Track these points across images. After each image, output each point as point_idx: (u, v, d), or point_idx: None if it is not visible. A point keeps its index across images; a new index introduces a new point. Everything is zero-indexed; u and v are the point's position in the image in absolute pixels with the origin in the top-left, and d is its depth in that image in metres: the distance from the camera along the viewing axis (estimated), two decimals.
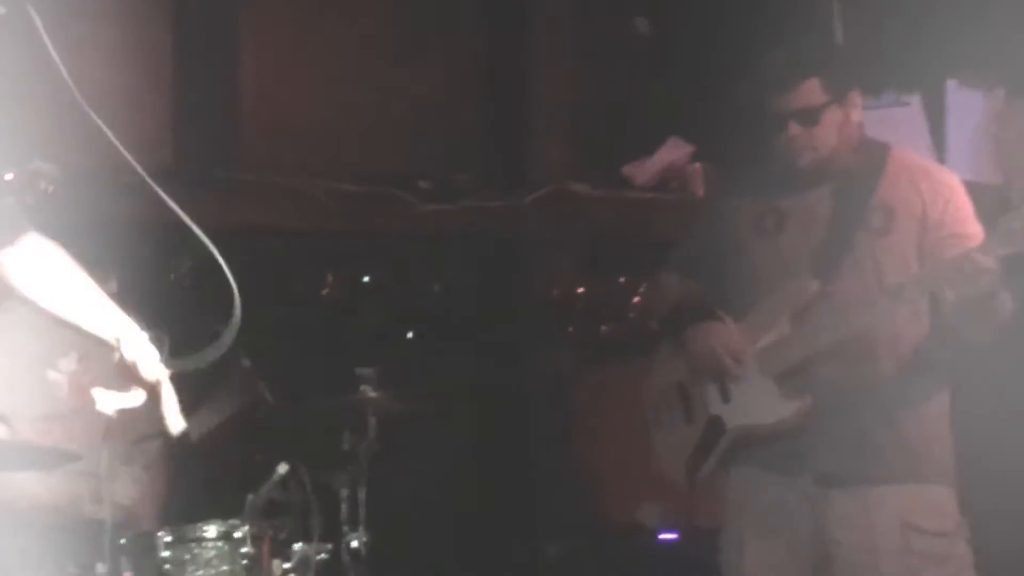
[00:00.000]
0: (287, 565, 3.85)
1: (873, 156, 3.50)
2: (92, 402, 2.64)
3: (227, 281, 2.42)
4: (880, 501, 3.39)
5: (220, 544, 3.77)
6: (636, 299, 5.18)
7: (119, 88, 4.79)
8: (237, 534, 3.78)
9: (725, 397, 3.55)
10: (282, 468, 3.94)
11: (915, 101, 5.05)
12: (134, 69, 4.98)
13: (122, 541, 3.76)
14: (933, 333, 3.43)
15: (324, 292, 4.92)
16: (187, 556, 3.77)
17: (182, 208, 4.17)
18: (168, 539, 3.76)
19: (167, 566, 3.74)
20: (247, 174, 5.01)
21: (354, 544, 4.00)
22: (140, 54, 5.03)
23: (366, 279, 4.92)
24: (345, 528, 3.99)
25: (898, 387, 3.42)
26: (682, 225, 4.23)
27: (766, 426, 3.47)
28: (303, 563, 3.87)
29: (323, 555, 3.92)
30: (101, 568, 3.73)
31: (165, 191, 3.85)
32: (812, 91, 3.41)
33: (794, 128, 3.41)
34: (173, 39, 5.13)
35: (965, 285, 3.20)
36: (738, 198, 3.63)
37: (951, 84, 4.98)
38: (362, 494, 3.99)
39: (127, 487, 4.15)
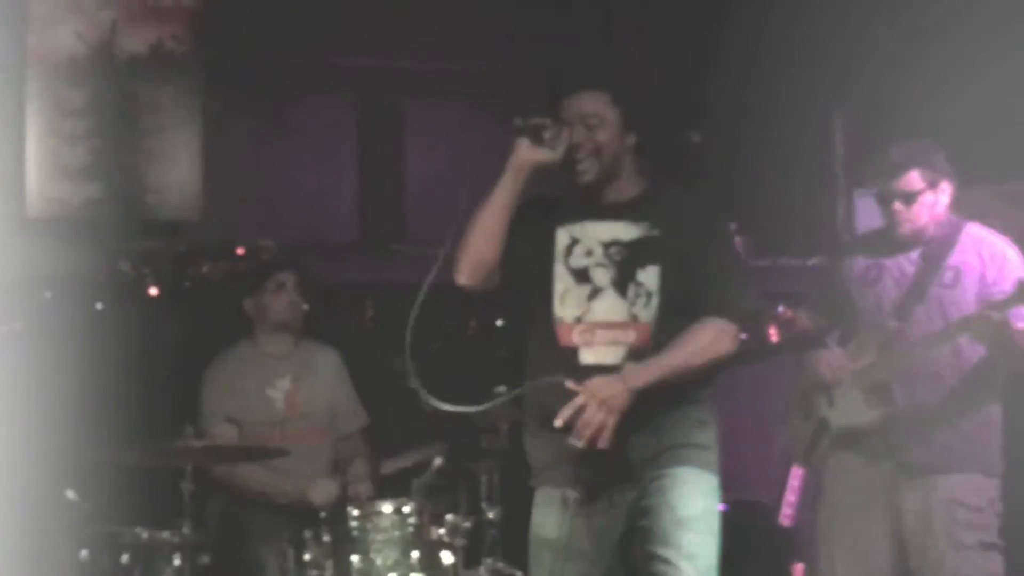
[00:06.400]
0: (442, 531, 6.06)
1: (952, 229, 5.45)
2: (301, 412, 5.17)
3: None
4: (937, 485, 5.36)
5: (393, 516, 6.00)
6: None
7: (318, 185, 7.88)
8: (405, 509, 6.03)
9: (830, 403, 5.55)
10: (438, 460, 6.26)
11: None
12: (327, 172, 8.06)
13: (322, 515, 6.02)
14: (987, 361, 5.35)
15: (469, 333, 7.22)
16: (369, 525, 5.99)
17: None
18: (355, 513, 6.02)
19: (355, 532, 5.98)
20: (411, 247, 8.03)
21: (490, 515, 6.22)
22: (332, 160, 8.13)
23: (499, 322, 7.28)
24: (483, 504, 6.22)
25: (960, 398, 5.36)
26: None
27: (857, 426, 5.47)
28: (453, 530, 6.07)
29: (468, 524, 6.08)
30: (307, 534, 5.98)
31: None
32: (914, 179, 5.37)
33: (898, 205, 5.37)
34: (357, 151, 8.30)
35: (982, 334, 5.20)
36: (850, 257, 5.65)
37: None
38: (496, 479, 6.16)
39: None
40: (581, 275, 4.53)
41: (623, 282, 4.51)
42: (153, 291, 7.30)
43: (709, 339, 4.48)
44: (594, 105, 4.49)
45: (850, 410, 5.47)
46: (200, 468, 5.88)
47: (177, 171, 7.99)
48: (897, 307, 5.43)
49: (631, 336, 4.48)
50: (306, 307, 6.66)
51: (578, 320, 4.50)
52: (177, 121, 8.01)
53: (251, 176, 8.38)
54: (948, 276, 5.39)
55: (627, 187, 4.58)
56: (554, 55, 8.09)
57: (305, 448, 6.47)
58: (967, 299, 5.35)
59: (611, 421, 4.35)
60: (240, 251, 7.33)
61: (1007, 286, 5.26)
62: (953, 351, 5.36)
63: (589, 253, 4.53)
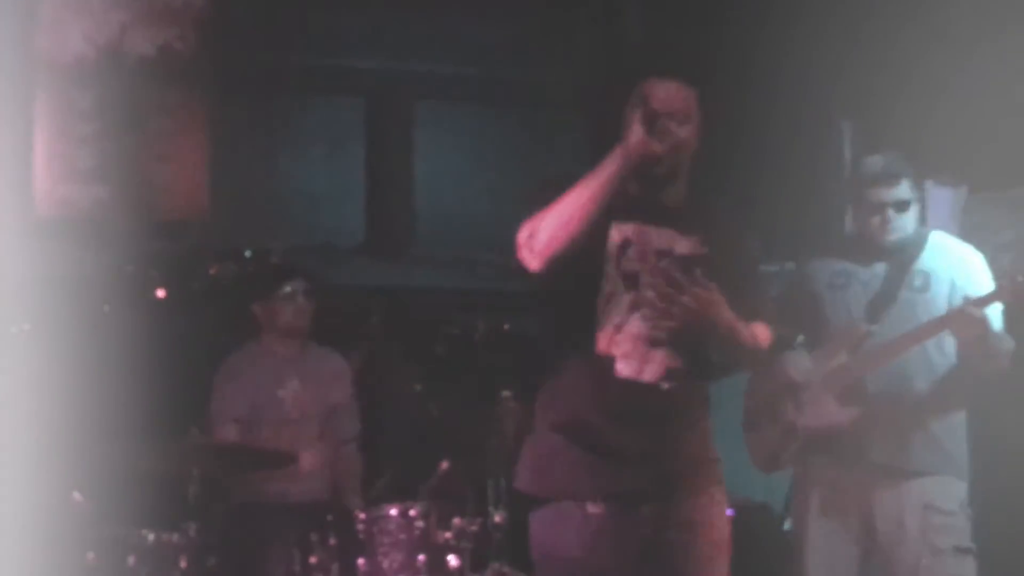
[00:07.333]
0: (448, 534, 6.11)
1: (919, 235, 5.57)
2: (308, 413, 5.35)
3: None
4: (910, 489, 5.42)
5: (399, 519, 6.04)
6: None
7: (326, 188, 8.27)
8: (412, 512, 6.07)
9: (798, 407, 5.53)
10: (444, 464, 6.30)
11: None
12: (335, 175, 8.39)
13: (329, 517, 6.10)
14: (955, 365, 5.44)
15: (476, 336, 7.25)
16: (375, 528, 6.03)
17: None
18: (362, 516, 6.10)
19: (361, 535, 6.05)
20: (420, 249, 8.24)
21: (496, 519, 6.18)
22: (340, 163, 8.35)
23: (507, 326, 7.31)
24: (490, 507, 6.21)
25: (930, 403, 5.44)
26: None
27: (828, 428, 5.48)
28: (460, 533, 6.12)
29: (474, 527, 6.12)
30: (313, 536, 6.04)
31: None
32: (906, 188, 5.49)
33: (891, 214, 5.47)
34: (365, 153, 8.49)
35: (962, 329, 5.31)
36: (819, 264, 5.69)
37: (928, 183, 7.00)
38: (502, 482, 6.12)
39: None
40: (630, 280, 4.32)
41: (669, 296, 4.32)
42: (160, 293, 7.32)
43: (763, 335, 4.40)
44: (686, 100, 4.29)
45: (820, 413, 5.48)
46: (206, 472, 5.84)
47: (185, 173, 8.01)
48: (868, 311, 5.50)
49: (673, 356, 4.35)
50: (314, 308, 6.77)
51: (618, 328, 4.31)
52: (185, 123, 8.02)
53: (259, 178, 8.44)
54: (918, 280, 5.48)
55: (678, 193, 4.40)
56: (559, 61, 8.17)
57: (309, 450, 6.55)
58: (938, 303, 5.43)
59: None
60: (248, 253, 7.38)
61: (975, 290, 5.36)
62: (923, 358, 5.43)
63: (642, 258, 4.33)
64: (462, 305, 7.77)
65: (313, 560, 5.99)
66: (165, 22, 7.98)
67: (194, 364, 6.88)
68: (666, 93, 4.24)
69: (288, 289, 6.71)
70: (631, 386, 4.26)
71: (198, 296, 7.51)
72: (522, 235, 4.15)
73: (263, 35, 8.18)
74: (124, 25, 7.88)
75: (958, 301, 5.35)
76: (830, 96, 8.04)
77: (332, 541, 6.01)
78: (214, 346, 6.86)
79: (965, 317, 5.25)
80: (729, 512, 4.51)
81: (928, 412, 5.43)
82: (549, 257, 4.10)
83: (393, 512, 6.05)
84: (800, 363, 5.52)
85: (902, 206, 5.45)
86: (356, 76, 8.68)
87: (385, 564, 5.98)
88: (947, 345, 5.42)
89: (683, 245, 4.33)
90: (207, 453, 5.96)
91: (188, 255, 7.65)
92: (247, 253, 7.41)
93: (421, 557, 6.02)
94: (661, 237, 4.32)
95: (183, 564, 5.72)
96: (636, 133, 4.12)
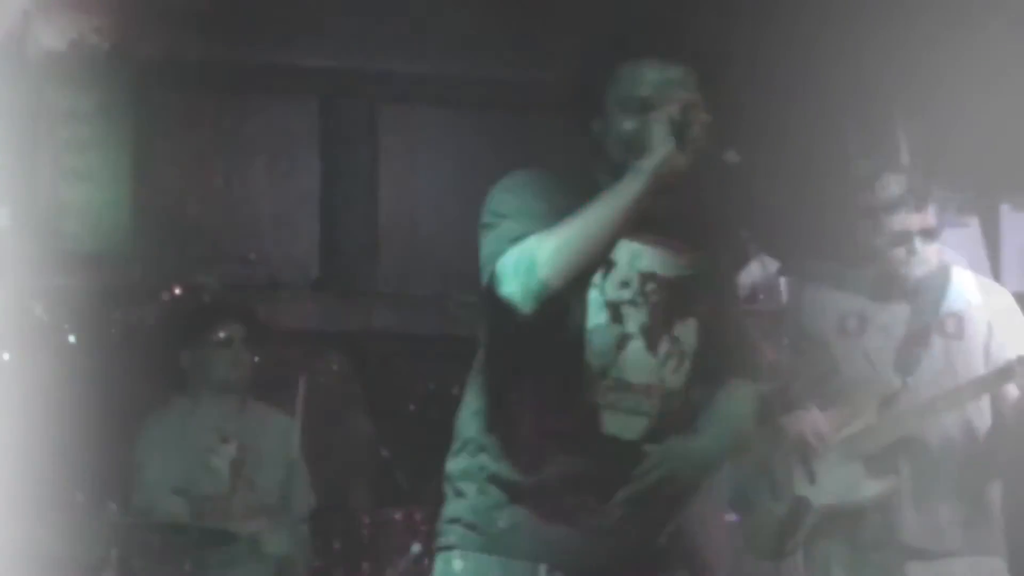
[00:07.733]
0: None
1: (943, 270, 5.05)
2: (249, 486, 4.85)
3: None
4: (944, 573, 4.83)
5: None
6: None
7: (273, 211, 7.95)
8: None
9: (811, 479, 4.95)
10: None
11: (973, 223, 7.06)
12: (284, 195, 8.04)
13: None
14: (995, 428, 4.94)
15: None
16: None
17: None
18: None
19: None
20: (385, 287, 7.84)
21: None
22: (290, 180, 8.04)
23: None
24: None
25: (970, 471, 4.89)
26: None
27: (855, 504, 4.90)
28: None
29: None
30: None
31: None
32: (931, 215, 4.96)
33: (917, 244, 4.92)
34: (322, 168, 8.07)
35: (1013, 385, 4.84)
36: (822, 302, 5.14)
37: (1005, 207, 7.11)
38: None
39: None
40: (625, 290, 3.89)
41: (656, 332, 3.89)
42: (71, 339, 6.76)
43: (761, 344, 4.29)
44: (691, 85, 3.80)
45: (844, 485, 4.95)
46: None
47: (102, 192, 7.48)
48: (896, 362, 4.97)
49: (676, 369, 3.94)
50: (256, 359, 6.34)
51: (622, 341, 3.86)
52: (103, 132, 7.50)
53: (190, 199, 7.90)
54: (950, 325, 4.98)
55: (671, 200, 3.90)
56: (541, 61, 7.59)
57: (254, 529, 6.12)
58: (974, 351, 4.95)
59: None
60: (176, 290, 6.81)
61: (1018, 334, 4.93)
62: (962, 419, 4.93)
63: (625, 284, 3.88)
64: (436, 353, 7.26)
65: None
66: (78, 10, 7.42)
67: (111, 423, 6.34)
68: (687, 98, 3.74)
69: (223, 335, 6.28)
70: (613, 446, 3.88)
71: (117, 342, 7.02)
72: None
73: (197, 27, 7.58)
74: (28, 13, 7.32)
75: (1000, 350, 4.89)
76: (834, 96, 7.64)
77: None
78: (136, 402, 6.40)
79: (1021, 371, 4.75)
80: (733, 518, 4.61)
81: (967, 483, 4.90)
82: (563, 284, 3.68)
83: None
84: (813, 424, 4.96)
85: (930, 234, 4.95)
86: (308, 75, 8.18)
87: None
88: (985, 404, 4.92)
89: (677, 254, 3.96)
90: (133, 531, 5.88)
91: (105, 292, 7.11)
92: (176, 290, 6.90)
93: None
94: (657, 248, 3.92)
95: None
96: (665, 150, 3.70)
